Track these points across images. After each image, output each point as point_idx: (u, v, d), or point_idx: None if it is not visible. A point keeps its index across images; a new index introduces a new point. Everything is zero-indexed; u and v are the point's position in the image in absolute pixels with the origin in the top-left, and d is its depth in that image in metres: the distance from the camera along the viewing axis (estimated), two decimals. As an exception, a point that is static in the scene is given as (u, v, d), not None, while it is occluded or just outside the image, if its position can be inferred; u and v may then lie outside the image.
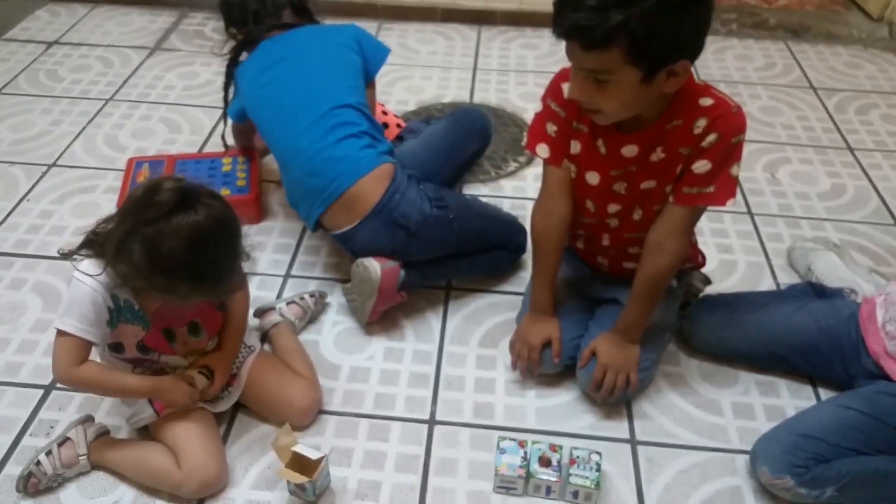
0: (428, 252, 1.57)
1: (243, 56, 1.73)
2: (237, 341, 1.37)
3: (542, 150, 1.36)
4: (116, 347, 1.25)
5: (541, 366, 1.46)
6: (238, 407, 1.41)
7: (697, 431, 1.41)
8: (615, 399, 1.41)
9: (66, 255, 1.18)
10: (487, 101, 2.44)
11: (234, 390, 1.38)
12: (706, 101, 1.22)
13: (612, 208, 1.37)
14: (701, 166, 1.23)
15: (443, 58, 2.70)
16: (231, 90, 1.77)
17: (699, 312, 1.56)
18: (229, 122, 1.84)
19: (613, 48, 1.08)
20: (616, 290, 1.47)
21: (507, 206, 1.97)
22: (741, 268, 1.80)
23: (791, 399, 1.48)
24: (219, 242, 1.11)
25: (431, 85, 2.52)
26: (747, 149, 2.18)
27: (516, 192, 2.04)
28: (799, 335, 1.45)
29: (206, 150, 2.16)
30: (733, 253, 1.84)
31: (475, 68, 2.64)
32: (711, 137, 1.21)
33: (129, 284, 1.15)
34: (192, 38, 2.78)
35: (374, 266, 1.49)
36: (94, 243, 1.15)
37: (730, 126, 1.21)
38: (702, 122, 1.21)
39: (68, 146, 2.16)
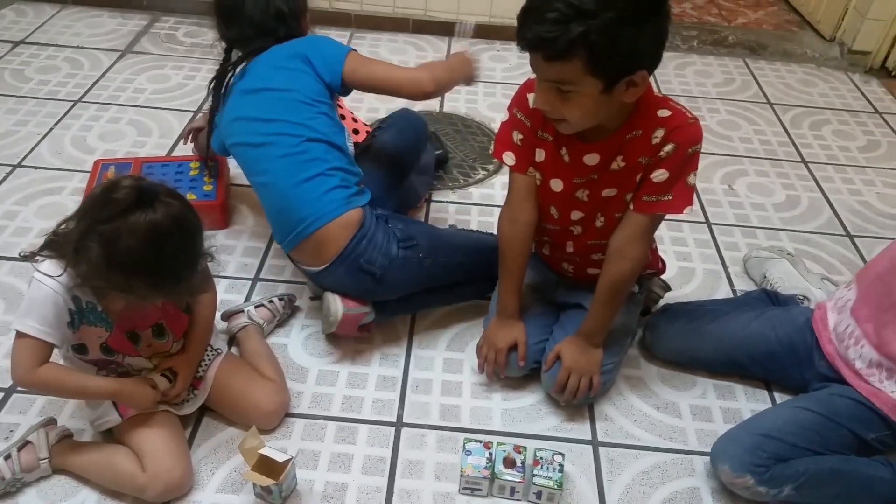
0: (396, 293, 1.55)
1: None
2: (202, 344, 1.37)
3: (509, 157, 1.40)
4: (80, 349, 1.25)
5: (507, 369, 1.49)
6: (204, 410, 1.41)
7: (657, 433, 1.45)
8: (578, 401, 1.45)
9: (27, 257, 1.17)
10: (457, 111, 2.48)
11: (200, 393, 1.37)
12: (664, 113, 1.26)
13: (576, 215, 1.41)
14: (659, 175, 1.28)
15: (413, 67, 2.72)
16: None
17: (660, 323, 1.61)
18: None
19: (574, 59, 1.12)
20: (580, 296, 1.51)
21: (475, 214, 2.01)
22: (699, 275, 1.85)
23: (748, 402, 1.53)
24: (177, 241, 1.10)
25: (401, 93, 2.55)
26: (706, 160, 2.27)
27: (485, 199, 2.07)
28: (757, 343, 1.51)
29: (176, 152, 2.16)
30: (692, 261, 1.90)
31: (444, 78, 2.67)
32: (669, 147, 1.26)
33: (88, 284, 1.14)
34: (164, 42, 2.76)
35: (337, 307, 1.49)
36: (55, 244, 1.15)
37: (686, 137, 1.26)
38: (660, 133, 1.26)
39: (34, 147, 2.13)
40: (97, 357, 1.26)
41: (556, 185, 1.38)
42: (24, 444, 1.27)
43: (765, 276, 1.78)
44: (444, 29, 2.93)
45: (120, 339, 1.25)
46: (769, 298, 1.67)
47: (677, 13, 3.31)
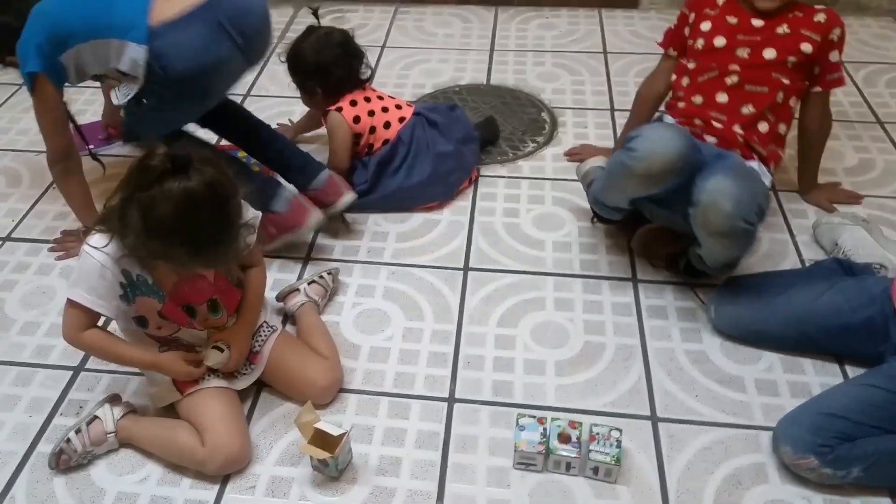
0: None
1: None
2: (254, 314, 1.39)
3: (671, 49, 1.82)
4: (140, 321, 1.29)
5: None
6: (261, 385, 1.43)
7: (720, 408, 1.40)
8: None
9: (84, 232, 1.21)
10: (505, 83, 2.43)
11: (257, 367, 1.40)
12: (819, 6, 1.64)
13: (733, 67, 1.65)
14: (834, 55, 1.65)
15: (460, 40, 2.68)
16: None
17: (724, 296, 1.55)
18: None
19: None
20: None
21: (525, 188, 1.97)
22: (765, 244, 1.77)
23: (816, 376, 1.46)
24: (211, 207, 1.11)
25: (448, 68, 2.52)
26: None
27: (534, 172, 2.03)
28: (829, 316, 1.43)
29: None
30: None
31: (492, 49, 2.62)
32: (837, 31, 1.63)
33: (134, 254, 1.17)
34: None
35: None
36: (105, 218, 1.18)
37: (843, 25, 1.64)
38: (821, 17, 1.63)
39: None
40: (157, 329, 1.29)
41: (720, 41, 1.67)
42: (92, 419, 1.32)
43: (836, 244, 1.68)
44: (492, -1, 2.88)
45: (174, 310, 1.28)
46: (842, 268, 1.58)
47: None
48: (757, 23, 1.64)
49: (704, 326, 1.56)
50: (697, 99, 1.68)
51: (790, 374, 1.46)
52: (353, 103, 1.85)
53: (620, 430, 1.28)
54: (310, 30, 1.88)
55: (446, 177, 1.89)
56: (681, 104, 1.71)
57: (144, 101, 1.58)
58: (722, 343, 1.53)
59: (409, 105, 1.94)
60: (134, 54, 1.49)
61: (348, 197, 1.76)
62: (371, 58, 1.99)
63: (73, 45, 1.51)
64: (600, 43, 2.63)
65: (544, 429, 1.29)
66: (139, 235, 1.11)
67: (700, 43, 1.69)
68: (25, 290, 1.68)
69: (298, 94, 1.94)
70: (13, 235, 1.84)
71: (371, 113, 1.85)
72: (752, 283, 1.55)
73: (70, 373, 1.49)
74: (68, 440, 1.29)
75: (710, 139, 1.61)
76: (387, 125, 1.87)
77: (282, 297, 1.59)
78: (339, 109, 1.84)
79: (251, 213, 1.26)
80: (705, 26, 1.69)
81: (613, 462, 1.25)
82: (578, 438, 1.28)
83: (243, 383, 1.39)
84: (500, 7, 2.87)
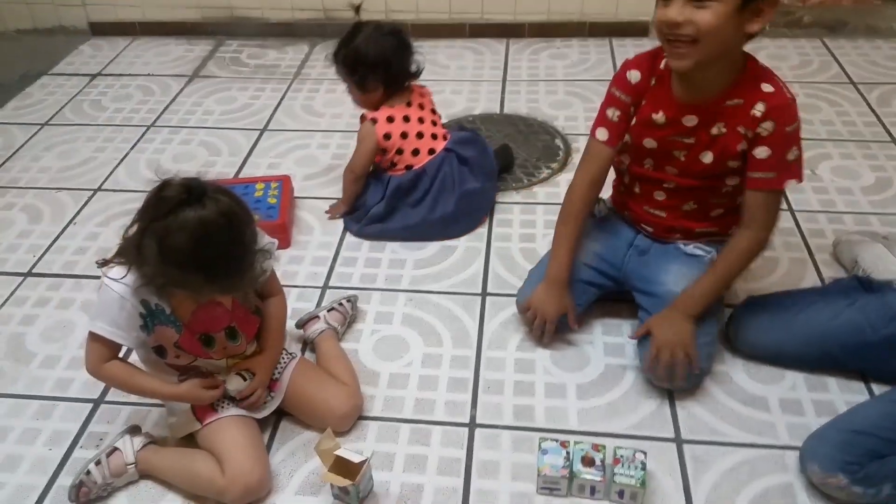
0: None
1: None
2: (278, 343, 1.40)
3: (602, 133, 1.48)
4: (159, 351, 1.29)
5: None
6: (281, 414, 1.43)
7: (745, 428, 1.38)
8: (678, 384, 1.41)
9: (101, 264, 1.23)
10: (518, 111, 2.45)
11: (277, 395, 1.39)
12: (767, 88, 1.31)
13: (671, 170, 1.45)
14: (761, 152, 1.33)
15: (472, 72, 2.72)
16: None
17: (744, 316, 1.53)
18: None
19: None
20: (652, 267, 1.51)
21: (540, 213, 1.97)
22: (784, 264, 1.76)
23: (841, 394, 1.43)
24: (226, 235, 1.13)
25: (461, 98, 2.55)
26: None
27: (550, 198, 2.03)
28: (850, 333, 1.41)
29: (246, 169, 2.22)
30: (775, 249, 1.80)
31: (504, 80, 2.65)
32: (768, 125, 1.30)
33: (152, 284, 1.18)
34: (230, 65, 2.86)
35: None
36: (122, 249, 1.20)
37: (785, 118, 1.31)
38: (760, 107, 1.30)
39: (112, 171, 2.23)
40: (175, 358, 1.30)
41: (650, 143, 1.44)
42: (112, 451, 1.32)
43: (856, 261, 1.67)
44: (503, 31, 2.92)
45: (190, 341, 1.29)
46: (861, 285, 1.56)
47: (745, -2, 3.19)
48: (689, 121, 1.38)
49: (726, 347, 1.54)
50: (636, 189, 1.55)
51: (814, 392, 1.44)
52: (390, 119, 1.83)
53: (645, 453, 1.26)
54: (358, 26, 1.82)
55: (471, 213, 1.90)
56: (620, 189, 1.62)
57: None
58: (744, 363, 1.51)
59: (444, 136, 1.91)
60: None
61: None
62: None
63: None
64: (612, 71, 2.65)
65: (567, 452, 1.27)
66: (156, 264, 1.13)
67: (628, 138, 1.48)
68: (46, 325, 1.70)
69: (350, 96, 1.91)
70: (34, 271, 1.86)
71: (404, 135, 1.84)
72: (772, 302, 1.53)
73: (90, 405, 1.49)
74: (88, 472, 1.29)
75: (648, 228, 1.57)
76: (415, 152, 1.86)
77: (301, 324, 1.59)
78: (375, 121, 1.83)
79: (267, 240, 1.27)
80: (637, 122, 1.45)
81: (639, 485, 1.22)
82: (602, 462, 1.26)
83: (262, 413, 1.38)
84: (512, 39, 2.92)
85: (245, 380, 1.32)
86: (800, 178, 1.36)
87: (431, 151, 1.87)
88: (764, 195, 1.37)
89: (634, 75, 1.42)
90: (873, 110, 2.37)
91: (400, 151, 1.85)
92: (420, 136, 1.86)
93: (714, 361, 1.49)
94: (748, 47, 1.34)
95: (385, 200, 1.86)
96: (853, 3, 3.05)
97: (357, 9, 1.88)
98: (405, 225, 1.87)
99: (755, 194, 1.37)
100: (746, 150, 1.35)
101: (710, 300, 1.42)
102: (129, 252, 1.17)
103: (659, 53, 1.39)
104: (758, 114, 1.30)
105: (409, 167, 1.87)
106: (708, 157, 1.39)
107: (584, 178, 1.51)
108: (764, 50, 2.78)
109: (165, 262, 1.12)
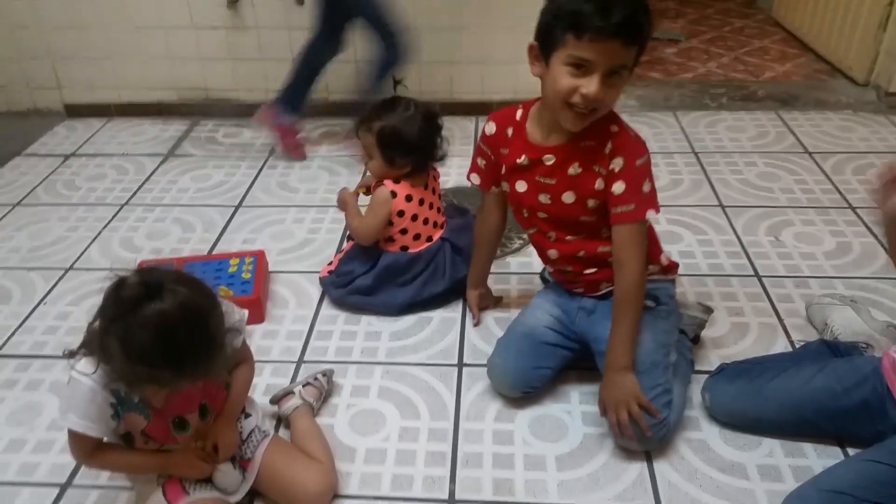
0: None
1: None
2: (236, 403, 1.36)
3: (475, 178, 1.65)
4: (126, 438, 1.26)
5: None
6: (254, 496, 1.38)
7: (724, 496, 1.37)
8: (643, 443, 1.43)
9: (68, 355, 1.19)
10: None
11: (249, 476, 1.35)
12: (614, 128, 1.41)
13: (542, 215, 1.53)
14: (617, 187, 1.40)
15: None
16: None
17: (718, 383, 1.54)
18: None
19: (639, 39, 1.27)
20: (601, 324, 1.51)
21: (514, 283, 2.00)
22: (754, 329, 1.79)
23: (818, 459, 1.43)
24: (188, 326, 1.10)
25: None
26: (748, 214, 2.24)
27: (522, 267, 2.06)
28: (823, 398, 1.43)
29: (220, 245, 2.23)
30: (744, 315, 1.84)
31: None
32: (618, 161, 1.39)
33: (122, 379, 1.15)
34: (205, 144, 2.90)
35: None
36: (88, 342, 1.17)
37: (631, 153, 1.39)
38: (609, 146, 1.39)
39: (84, 250, 2.22)
40: (144, 444, 1.26)
41: (521, 185, 1.52)
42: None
43: (826, 324, 1.71)
44: (469, 109, 3.02)
45: (160, 427, 1.26)
46: (829, 349, 1.60)
47: (703, 73, 3.35)
48: (548, 160, 1.45)
49: (702, 414, 1.55)
50: (541, 255, 1.64)
51: (791, 458, 1.44)
52: (409, 198, 1.84)
53: (626, 524, 1.25)
54: (394, 102, 1.83)
55: (458, 293, 1.91)
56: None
57: None
58: (720, 430, 1.51)
59: (442, 224, 1.94)
60: None
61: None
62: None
63: None
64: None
65: (548, 526, 1.25)
66: (123, 363, 1.10)
67: (506, 186, 1.56)
68: (13, 408, 1.65)
69: (363, 164, 2.01)
70: (2, 353, 1.82)
71: (414, 217, 1.86)
72: (743, 369, 1.54)
73: (57, 489, 1.44)
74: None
75: (578, 288, 1.60)
76: (416, 237, 1.88)
77: (276, 400, 1.56)
78: (395, 194, 1.83)
79: (236, 316, 1.25)
80: (506, 169, 1.53)
81: (622, 558, 1.20)
82: (584, 535, 1.24)
83: (236, 497, 1.33)
84: (480, 117, 3.00)
85: (234, 468, 1.30)
86: (657, 209, 1.42)
87: (429, 238, 1.90)
88: (628, 228, 1.42)
89: (490, 127, 1.55)
90: (829, 178, 2.47)
91: (404, 231, 1.87)
92: (426, 221, 1.89)
93: (682, 411, 1.49)
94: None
95: (374, 275, 1.87)
96: (803, 79, 3.23)
97: (398, 83, 1.95)
98: (389, 303, 1.87)
99: (620, 229, 1.42)
100: (605, 189, 1.41)
101: (631, 345, 1.44)
102: (95, 348, 1.14)
103: (515, 109, 1.51)
104: (608, 151, 1.39)
105: (404, 248, 1.88)
106: (569, 198, 1.46)
107: (480, 217, 1.75)
108: (722, 122, 2.90)
109: (131, 361, 1.09)
